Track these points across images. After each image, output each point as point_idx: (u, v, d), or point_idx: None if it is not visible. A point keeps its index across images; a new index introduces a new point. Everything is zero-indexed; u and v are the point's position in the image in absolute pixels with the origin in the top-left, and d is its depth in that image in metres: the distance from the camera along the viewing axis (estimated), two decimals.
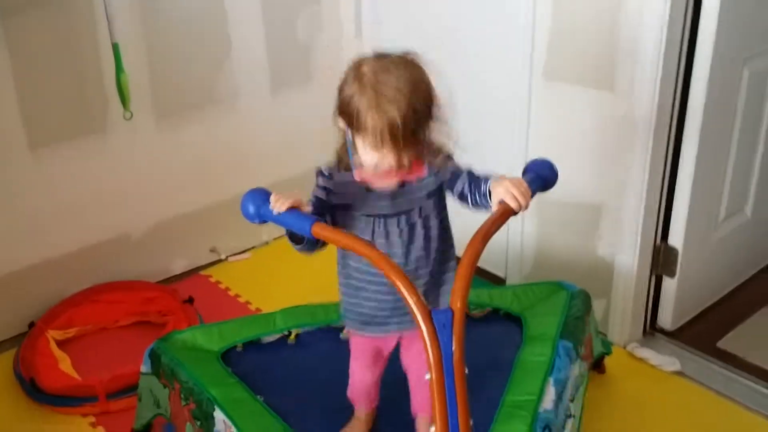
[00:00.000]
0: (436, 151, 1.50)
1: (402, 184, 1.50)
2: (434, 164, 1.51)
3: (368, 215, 1.52)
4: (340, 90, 1.44)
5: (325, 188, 1.52)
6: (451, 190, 1.53)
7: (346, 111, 1.42)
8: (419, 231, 1.53)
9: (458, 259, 1.33)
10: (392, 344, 1.67)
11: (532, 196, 1.46)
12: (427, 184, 1.53)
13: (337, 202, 1.53)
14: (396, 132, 1.37)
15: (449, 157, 1.53)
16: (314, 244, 1.47)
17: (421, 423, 1.72)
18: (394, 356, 1.73)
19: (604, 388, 2.22)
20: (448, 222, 1.61)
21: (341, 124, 1.46)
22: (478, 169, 1.53)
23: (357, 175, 1.46)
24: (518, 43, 2.35)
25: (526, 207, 1.40)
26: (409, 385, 1.71)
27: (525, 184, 1.42)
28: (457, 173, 1.52)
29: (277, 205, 1.40)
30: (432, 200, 1.54)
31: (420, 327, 1.20)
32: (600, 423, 2.08)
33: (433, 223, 1.55)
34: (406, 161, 1.42)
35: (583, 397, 1.92)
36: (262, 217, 1.44)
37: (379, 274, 1.35)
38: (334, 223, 1.53)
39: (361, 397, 1.77)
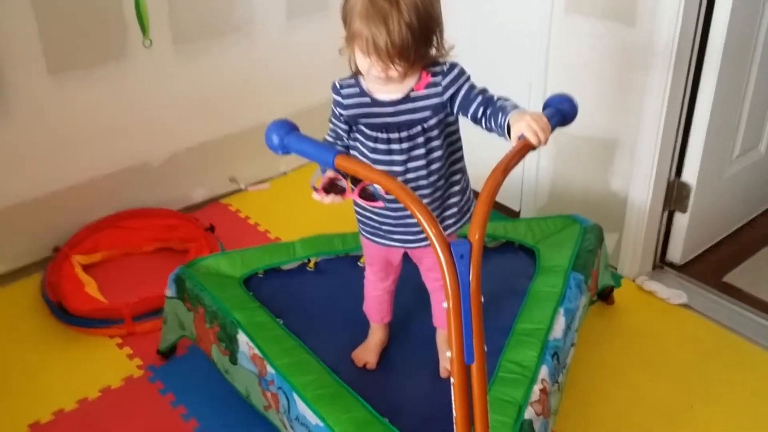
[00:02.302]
0: (434, 65, 1.51)
1: (406, 97, 1.52)
2: (439, 81, 1.52)
3: (372, 125, 1.55)
4: None
5: (336, 102, 1.57)
6: (465, 113, 1.53)
7: (343, 15, 1.47)
8: (420, 145, 1.54)
9: (477, 194, 1.36)
10: (399, 255, 1.73)
11: (551, 131, 1.49)
12: (430, 99, 1.53)
13: (346, 115, 1.56)
14: (380, 43, 1.40)
15: (456, 75, 1.52)
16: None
17: (439, 336, 1.81)
18: (408, 274, 1.78)
19: (612, 320, 2.28)
20: (457, 146, 1.62)
21: (345, 29, 1.48)
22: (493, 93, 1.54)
23: (363, 84, 1.47)
24: None
25: (546, 142, 1.42)
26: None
27: (545, 119, 1.43)
28: (471, 97, 1.52)
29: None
30: (438, 117, 1.54)
31: (438, 257, 1.24)
32: (606, 353, 2.15)
33: (436, 141, 1.55)
34: (394, 72, 1.45)
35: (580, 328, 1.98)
36: (286, 148, 1.46)
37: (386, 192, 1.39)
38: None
39: (374, 309, 1.84)
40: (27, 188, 2.46)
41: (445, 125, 1.57)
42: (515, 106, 1.48)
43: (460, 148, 1.64)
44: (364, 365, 1.81)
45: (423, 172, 1.57)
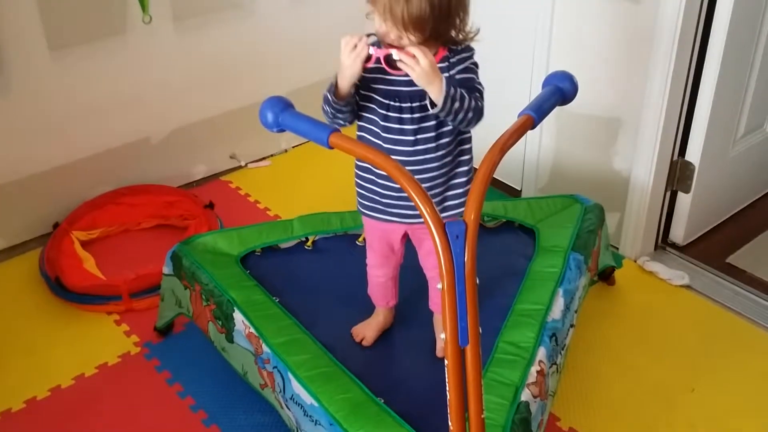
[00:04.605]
0: (451, 43, 1.51)
1: None
2: (450, 57, 1.51)
3: (386, 93, 1.55)
4: None
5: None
6: None
7: None
8: (431, 117, 1.54)
9: (476, 171, 1.35)
10: (399, 235, 1.72)
11: (551, 110, 1.47)
12: (441, 73, 1.51)
13: (365, 77, 1.54)
14: (397, 11, 1.41)
15: (465, 56, 1.53)
16: (352, 108, 1.54)
17: (437, 320, 1.80)
18: (410, 255, 1.77)
19: (613, 300, 2.26)
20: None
21: None
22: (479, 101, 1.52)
23: (380, 52, 1.46)
24: None
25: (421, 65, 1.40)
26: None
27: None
28: (458, 81, 1.51)
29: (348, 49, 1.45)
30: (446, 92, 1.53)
31: (433, 238, 1.23)
32: (608, 333, 2.14)
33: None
34: (406, 41, 1.45)
35: (580, 308, 1.97)
36: (281, 125, 1.45)
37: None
38: (357, 104, 1.57)
39: (379, 294, 1.83)
40: (27, 164, 2.45)
41: None
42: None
43: (470, 131, 1.62)
44: (361, 340, 1.81)
45: (432, 145, 1.56)
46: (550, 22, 2.37)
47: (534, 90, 2.44)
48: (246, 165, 2.93)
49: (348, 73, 1.48)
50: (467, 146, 1.63)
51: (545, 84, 1.55)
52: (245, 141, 2.90)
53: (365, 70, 1.50)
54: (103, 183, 2.59)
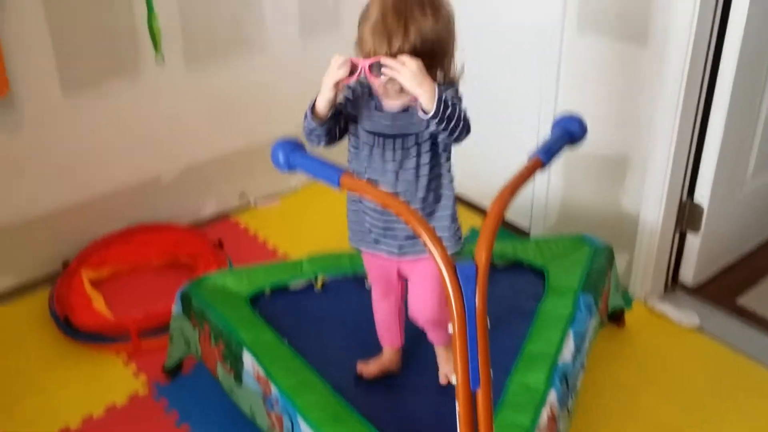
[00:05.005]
0: (438, 83, 1.52)
1: (405, 110, 1.55)
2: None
3: (371, 131, 1.58)
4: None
5: (346, 97, 1.59)
6: None
7: (359, 18, 1.50)
8: (412, 157, 1.56)
9: (484, 211, 1.35)
10: (394, 269, 1.72)
11: (560, 152, 1.48)
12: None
13: (351, 112, 1.59)
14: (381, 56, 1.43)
15: (449, 91, 1.53)
16: (328, 130, 1.55)
17: (439, 352, 1.81)
18: None
19: (623, 342, 2.25)
20: (445, 160, 1.61)
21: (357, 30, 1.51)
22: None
23: (365, 62, 1.48)
24: None
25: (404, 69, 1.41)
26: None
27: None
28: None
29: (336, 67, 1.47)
30: (428, 133, 1.55)
31: (443, 279, 1.23)
32: (618, 374, 2.12)
33: (426, 155, 1.57)
34: (398, 86, 1.46)
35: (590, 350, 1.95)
36: (291, 166, 1.46)
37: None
38: (345, 129, 1.60)
39: (383, 331, 1.83)
40: (37, 203, 2.46)
41: (434, 139, 1.57)
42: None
43: (446, 165, 1.62)
44: (361, 373, 1.81)
45: (411, 179, 1.58)
46: (557, 64, 2.39)
47: (542, 132, 2.46)
48: (255, 203, 2.94)
49: (326, 94, 1.50)
50: (446, 180, 1.62)
51: (554, 126, 1.56)
52: (255, 179, 2.91)
53: (357, 99, 1.54)
54: (113, 221, 2.60)
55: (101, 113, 2.48)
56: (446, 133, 1.48)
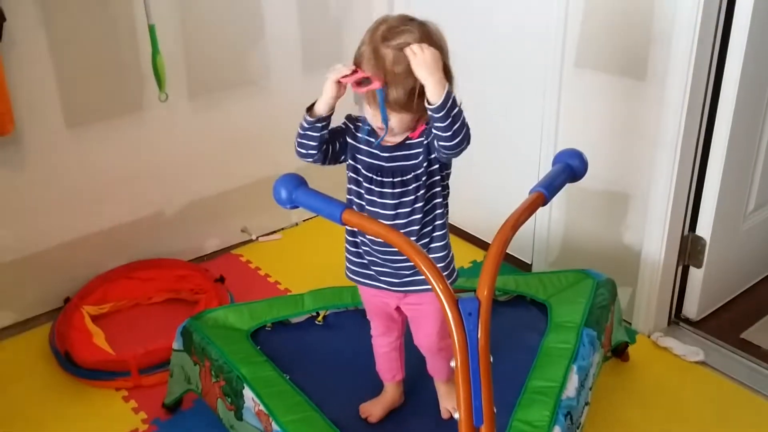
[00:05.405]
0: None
1: (402, 143, 1.56)
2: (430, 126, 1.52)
3: (369, 166, 1.59)
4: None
5: (350, 128, 1.61)
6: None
7: (354, 61, 1.52)
8: (410, 192, 1.57)
9: (486, 245, 1.35)
10: (393, 304, 1.72)
11: (561, 187, 1.49)
12: (421, 146, 1.55)
13: (350, 145, 1.60)
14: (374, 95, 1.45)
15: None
16: (321, 138, 1.56)
17: (439, 387, 1.81)
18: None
19: (627, 377, 2.23)
20: (440, 196, 1.60)
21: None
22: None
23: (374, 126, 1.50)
24: (550, 31, 2.34)
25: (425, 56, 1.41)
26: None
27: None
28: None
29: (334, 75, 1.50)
30: (425, 166, 1.56)
31: (446, 314, 1.23)
32: (622, 409, 2.10)
33: (422, 190, 1.57)
34: (394, 123, 1.48)
35: (594, 385, 1.94)
36: (294, 202, 1.47)
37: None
38: (341, 154, 1.61)
39: (384, 368, 1.82)
40: (39, 238, 2.46)
41: (431, 174, 1.58)
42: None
43: (441, 201, 1.62)
44: (367, 417, 1.79)
45: (409, 218, 1.59)
46: (557, 98, 2.41)
47: (543, 167, 2.47)
48: (257, 239, 2.94)
49: (327, 93, 1.54)
50: (441, 216, 1.62)
51: (555, 161, 1.57)
52: (256, 215, 2.92)
53: (359, 140, 1.56)
54: (115, 257, 2.60)
55: (105, 150, 2.50)
56: (448, 133, 1.43)
